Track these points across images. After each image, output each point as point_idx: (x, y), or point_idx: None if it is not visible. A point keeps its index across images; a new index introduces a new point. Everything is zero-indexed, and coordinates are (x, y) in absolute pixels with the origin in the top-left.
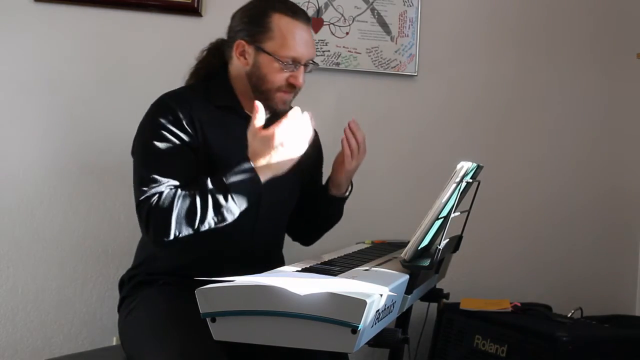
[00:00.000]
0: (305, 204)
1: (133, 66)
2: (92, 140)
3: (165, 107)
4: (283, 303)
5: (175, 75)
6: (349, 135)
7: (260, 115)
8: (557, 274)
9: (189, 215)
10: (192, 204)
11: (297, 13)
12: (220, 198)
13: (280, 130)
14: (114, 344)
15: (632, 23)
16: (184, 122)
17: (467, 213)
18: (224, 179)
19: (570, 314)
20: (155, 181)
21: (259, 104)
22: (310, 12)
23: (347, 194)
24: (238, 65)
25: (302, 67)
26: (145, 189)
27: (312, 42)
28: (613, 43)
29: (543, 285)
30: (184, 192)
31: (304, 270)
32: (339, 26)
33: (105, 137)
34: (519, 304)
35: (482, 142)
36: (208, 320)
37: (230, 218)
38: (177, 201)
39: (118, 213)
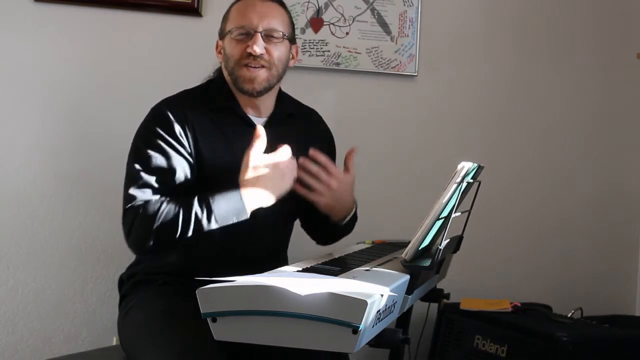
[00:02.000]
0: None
1: (133, 66)
2: (92, 139)
3: (160, 116)
4: (284, 303)
5: (174, 75)
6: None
7: (260, 142)
8: (557, 274)
9: (169, 230)
10: (175, 219)
11: None
12: (204, 219)
13: (270, 159)
14: (114, 344)
15: (632, 23)
16: (177, 132)
17: (467, 213)
18: (210, 202)
19: (570, 314)
20: (145, 186)
21: (260, 129)
22: (310, 12)
23: (347, 219)
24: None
25: (257, 35)
26: (133, 192)
27: (269, 13)
28: (613, 43)
29: (543, 285)
30: (169, 205)
31: (304, 270)
32: (339, 26)
33: (105, 137)
34: (519, 304)
35: (482, 142)
36: (209, 320)
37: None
38: (162, 213)
39: (118, 213)
